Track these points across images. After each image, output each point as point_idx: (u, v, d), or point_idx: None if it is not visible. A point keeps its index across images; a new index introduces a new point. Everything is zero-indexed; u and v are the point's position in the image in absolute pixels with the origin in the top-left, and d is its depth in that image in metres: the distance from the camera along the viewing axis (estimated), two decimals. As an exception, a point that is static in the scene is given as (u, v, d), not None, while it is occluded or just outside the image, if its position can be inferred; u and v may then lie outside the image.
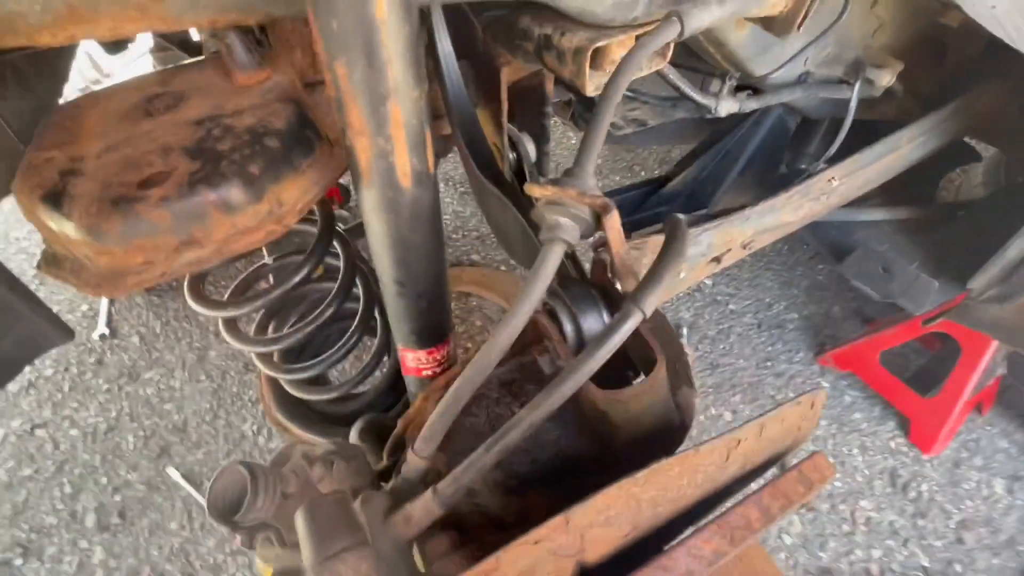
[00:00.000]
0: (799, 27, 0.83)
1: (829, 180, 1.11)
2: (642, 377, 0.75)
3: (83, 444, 1.69)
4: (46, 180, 0.58)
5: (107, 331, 1.95)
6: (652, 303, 0.55)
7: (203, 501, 1.56)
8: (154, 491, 1.59)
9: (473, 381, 0.60)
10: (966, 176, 1.62)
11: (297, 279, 0.85)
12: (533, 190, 0.61)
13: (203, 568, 1.45)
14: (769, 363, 2.00)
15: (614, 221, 0.60)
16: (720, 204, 1.35)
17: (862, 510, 1.66)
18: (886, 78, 1.09)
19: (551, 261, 0.59)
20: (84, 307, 2.07)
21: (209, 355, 1.92)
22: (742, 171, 1.34)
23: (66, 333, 0.69)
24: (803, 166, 1.52)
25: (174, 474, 1.61)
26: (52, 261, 0.61)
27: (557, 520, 0.41)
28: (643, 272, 0.69)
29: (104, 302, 2.03)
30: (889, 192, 1.44)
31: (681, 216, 0.70)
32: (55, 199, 0.57)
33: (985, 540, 1.60)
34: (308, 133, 0.69)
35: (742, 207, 1.10)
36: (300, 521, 0.51)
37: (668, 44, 0.92)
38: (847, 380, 1.95)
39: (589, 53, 0.81)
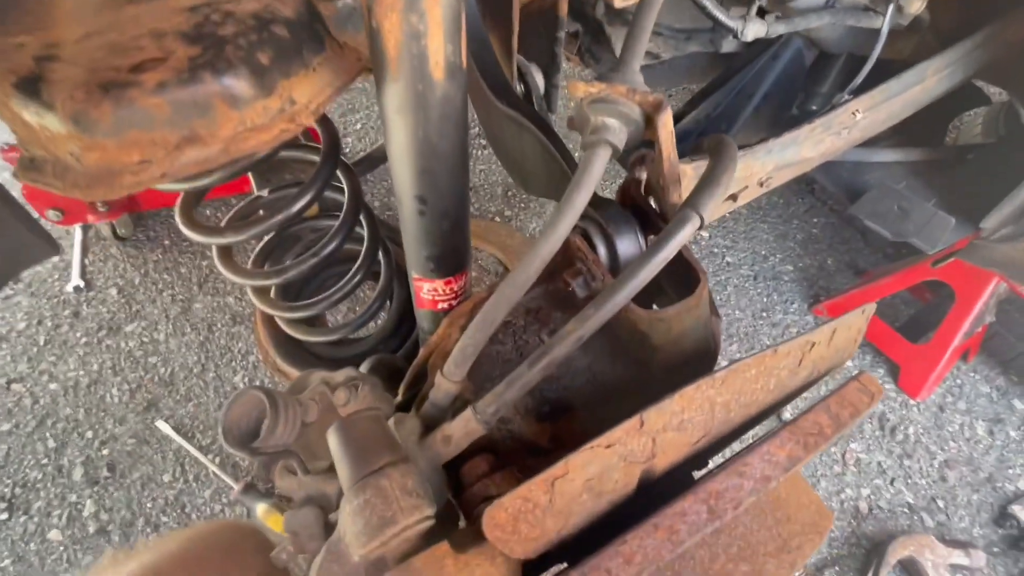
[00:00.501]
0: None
1: (852, 113, 1.07)
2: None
3: (64, 398, 1.61)
4: (18, 66, 0.50)
5: (81, 283, 1.83)
6: (711, 208, 0.51)
7: (196, 453, 1.52)
8: (143, 444, 1.54)
9: (509, 299, 0.55)
10: (964, 124, 1.60)
11: (302, 204, 0.79)
12: (578, 88, 0.56)
13: (199, 518, 1.42)
14: (765, 313, 2.01)
15: (667, 121, 0.55)
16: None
17: (852, 452, 1.71)
18: (916, 4, 1.04)
19: (596, 167, 0.54)
20: (55, 258, 1.94)
21: (193, 307, 1.84)
22: (756, 108, 1.29)
23: (52, 247, 0.62)
24: (815, 107, 1.48)
25: (164, 427, 1.55)
26: (31, 166, 0.54)
27: (631, 422, 0.38)
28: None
29: (76, 253, 1.90)
30: (900, 134, 1.41)
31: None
32: (31, 86, 0.49)
33: (966, 478, 1.68)
34: (318, 27, 0.61)
35: (762, 139, 1.05)
36: (334, 439, 0.47)
37: (705, -52, 0.85)
38: (840, 330, 1.98)
39: (623, -49, 0.74)
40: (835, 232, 2.27)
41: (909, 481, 1.66)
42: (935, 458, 1.72)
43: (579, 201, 0.54)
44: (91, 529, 1.40)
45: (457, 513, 0.56)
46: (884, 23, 1.02)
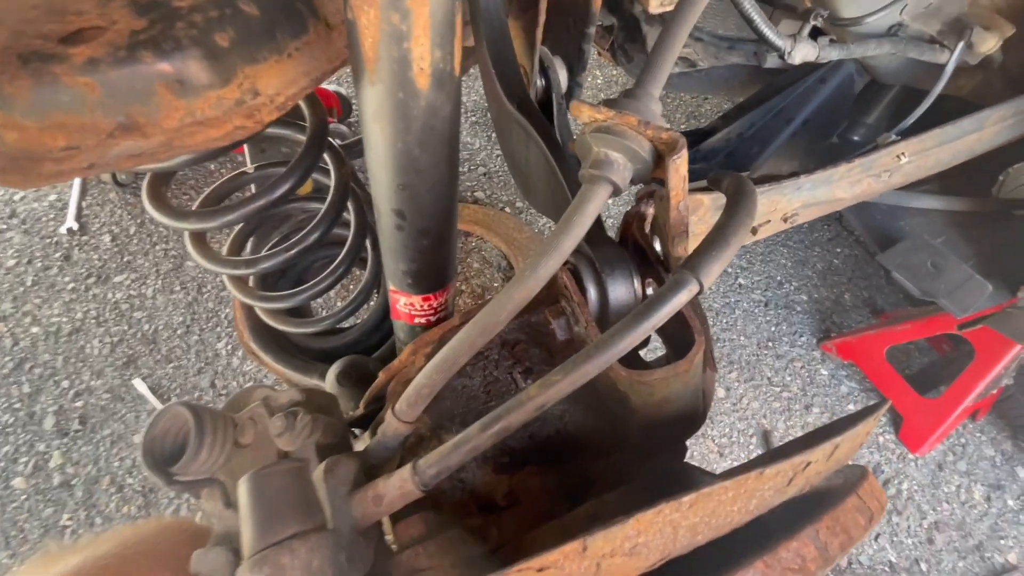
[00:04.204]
0: (925, -46, 0.67)
1: (897, 156, 0.97)
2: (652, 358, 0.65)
3: (44, 343, 1.59)
4: (-62, 17, 0.43)
5: (76, 226, 1.80)
6: (713, 274, 0.44)
7: (170, 417, 1.49)
8: (118, 401, 1.52)
9: (474, 343, 0.49)
10: (1011, 174, 1.48)
11: (280, 192, 0.72)
12: (582, 111, 0.48)
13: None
14: (771, 343, 1.93)
15: (681, 164, 0.47)
16: (762, 169, 1.21)
17: (840, 501, 1.65)
18: (991, 43, 0.93)
19: (591, 207, 0.47)
20: (52, 196, 1.90)
21: (186, 265, 1.80)
22: (793, 134, 1.19)
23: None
24: (857, 138, 1.37)
25: (141, 386, 1.53)
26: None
27: (572, 546, 0.32)
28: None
29: (74, 194, 1.87)
30: (943, 178, 1.30)
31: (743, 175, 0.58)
32: (-53, 44, 0.42)
33: (955, 543, 1.61)
34: (299, 5, 0.53)
35: (793, 174, 0.96)
36: (243, 495, 0.41)
37: (758, -43, 0.75)
38: (846, 371, 1.90)
39: (663, -48, 0.64)
40: (857, 266, 2.16)
41: (895, 539, 1.60)
42: (925, 518, 1.65)
43: (567, 244, 0.47)
44: (55, 481, 1.39)
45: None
46: (951, 61, 0.92)
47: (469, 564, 0.45)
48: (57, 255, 1.77)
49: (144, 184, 0.73)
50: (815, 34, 0.92)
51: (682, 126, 2.56)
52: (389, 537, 0.56)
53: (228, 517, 0.51)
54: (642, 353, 0.73)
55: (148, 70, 0.43)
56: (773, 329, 1.97)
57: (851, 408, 1.82)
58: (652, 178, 0.53)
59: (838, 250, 2.21)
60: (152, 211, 0.71)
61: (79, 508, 1.35)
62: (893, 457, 1.75)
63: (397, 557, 0.47)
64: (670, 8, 0.79)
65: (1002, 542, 1.62)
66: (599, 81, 2.60)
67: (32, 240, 1.79)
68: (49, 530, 1.31)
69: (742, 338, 1.93)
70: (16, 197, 1.85)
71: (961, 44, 0.90)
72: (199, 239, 0.81)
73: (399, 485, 0.46)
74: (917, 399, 1.73)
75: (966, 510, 1.67)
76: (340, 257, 0.91)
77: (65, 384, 1.53)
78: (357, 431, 0.81)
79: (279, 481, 0.42)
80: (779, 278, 2.10)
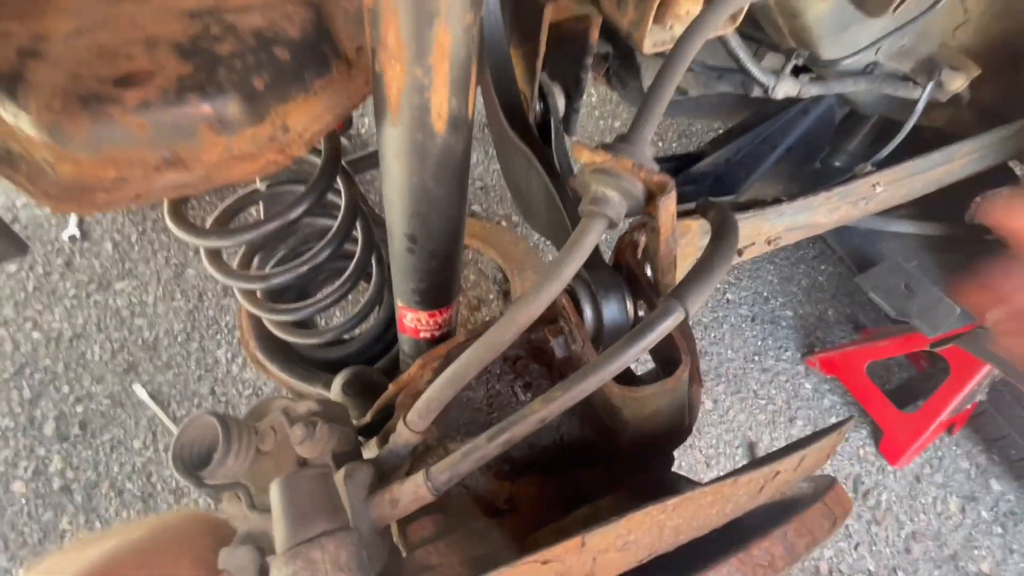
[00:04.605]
0: (895, 8, 0.73)
1: (873, 185, 1.04)
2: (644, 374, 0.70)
3: (45, 348, 1.61)
4: (1, 58, 0.48)
5: (78, 233, 1.83)
6: (698, 303, 0.49)
7: (169, 423, 1.52)
8: (118, 406, 1.54)
9: (481, 359, 0.53)
10: (985, 200, 1.56)
11: (294, 215, 0.77)
12: (582, 153, 0.53)
13: (164, 490, 1.42)
14: (757, 357, 1.99)
15: (670, 204, 0.52)
16: (748, 192, 1.27)
17: (822, 511, 1.71)
18: (958, 82, 1.00)
19: (590, 239, 0.52)
20: (55, 203, 1.92)
21: (187, 273, 1.83)
22: (778, 160, 1.26)
23: (19, 248, 0.60)
24: (838, 164, 1.44)
25: (141, 392, 1.55)
26: (6, 158, 0.52)
27: (572, 542, 0.36)
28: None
29: (77, 201, 1.89)
30: (919, 204, 1.37)
31: (724, 202, 0.63)
32: (10, 84, 0.46)
33: (931, 553, 1.67)
34: (325, 48, 0.58)
35: (776, 200, 1.02)
36: (276, 496, 0.45)
37: (743, 7, 0.81)
38: (829, 384, 1.96)
39: (656, 2, 0.70)
40: (840, 283, 2.23)
41: (874, 548, 1.65)
42: (903, 528, 1.71)
43: (567, 272, 0.52)
44: (55, 485, 1.41)
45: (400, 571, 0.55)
46: (922, 98, 0.99)
47: (476, 561, 0.49)
48: (59, 261, 1.79)
49: (165, 203, 0.77)
50: (797, 71, 0.99)
51: (674, 145, 2.64)
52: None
53: (253, 518, 0.55)
54: (633, 366, 0.78)
55: (193, 111, 0.48)
56: (759, 343, 2.03)
57: (833, 421, 1.88)
58: (644, 212, 0.59)
59: (822, 267, 2.28)
60: (174, 228, 0.75)
61: (78, 512, 1.37)
62: (873, 469, 1.81)
63: (410, 555, 0.51)
64: (663, 48, 0.85)
65: (976, 552, 1.68)
66: (593, 99, 2.67)
67: (34, 246, 1.81)
68: (48, 534, 1.33)
69: (729, 352, 1.99)
70: (19, 203, 1.87)
71: (932, 83, 0.98)
72: (215, 254, 0.85)
73: (413, 490, 0.50)
74: (896, 413, 1.80)
75: (942, 521, 1.73)
76: (348, 272, 0.95)
77: (65, 389, 1.55)
78: (362, 439, 0.85)
79: (307, 485, 0.46)
80: (765, 294, 2.17)
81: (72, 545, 0.61)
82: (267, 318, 1.00)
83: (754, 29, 1.08)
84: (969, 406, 1.75)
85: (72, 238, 1.81)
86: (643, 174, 0.52)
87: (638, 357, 0.51)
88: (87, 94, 0.46)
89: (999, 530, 1.72)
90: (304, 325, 1.17)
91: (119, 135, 0.46)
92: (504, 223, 2.19)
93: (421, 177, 0.55)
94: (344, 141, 2.15)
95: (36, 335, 1.64)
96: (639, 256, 0.70)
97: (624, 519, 0.38)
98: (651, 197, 0.55)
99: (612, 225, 0.54)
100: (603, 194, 0.53)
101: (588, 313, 0.65)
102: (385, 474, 0.60)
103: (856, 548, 1.65)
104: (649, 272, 0.68)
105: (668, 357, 0.64)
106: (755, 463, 0.45)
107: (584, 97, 1.25)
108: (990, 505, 1.77)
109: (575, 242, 0.52)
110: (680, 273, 0.62)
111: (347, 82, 0.62)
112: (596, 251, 0.77)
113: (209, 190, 0.61)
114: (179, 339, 1.68)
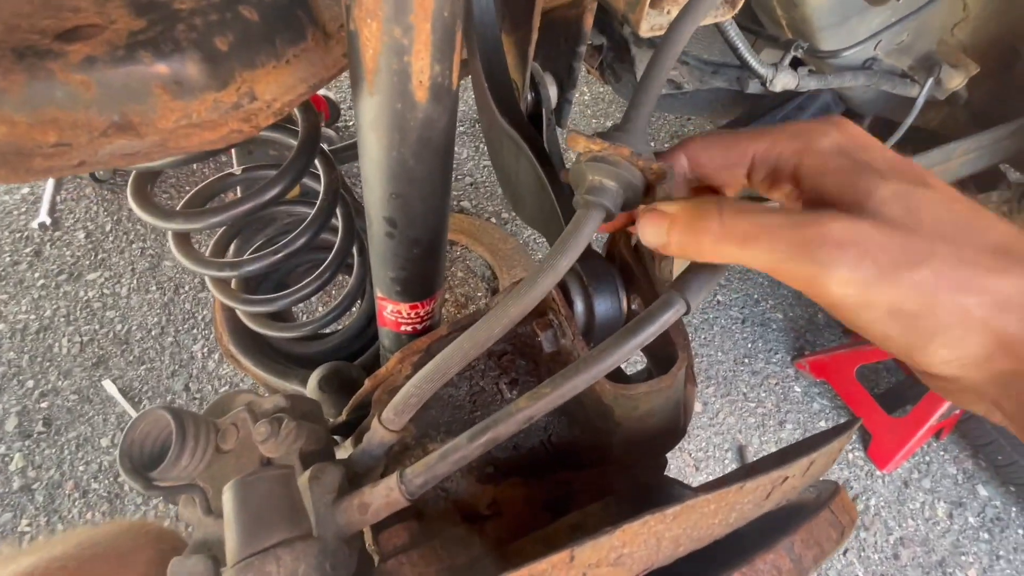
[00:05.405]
0: (900, -4, 0.71)
1: (871, 183, 1.01)
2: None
3: (9, 341, 1.54)
4: (-70, 7, 0.43)
5: (48, 221, 1.75)
6: (700, 296, 0.45)
7: (140, 420, 1.45)
8: (86, 402, 1.47)
9: (466, 354, 0.49)
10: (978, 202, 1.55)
11: (269, 196, 0.72)
12: (578, 142, 0.49)
13: (132, 491, 1.36)
14: (747, 360, 1.97)
15: (669, 193, 0.49)
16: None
17: (811, 516, 1.69)
18: (957, 80, 0.98)
19: (586, 230, 0.48)
20: (24, 189, 1.85)
21: (163, 265, 1.76)
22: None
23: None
24: (833, 164, 1.42)
25: (110, 387, 1.48)
26: (-64, 121, 0.46)
27: (560, 555, 0.32)
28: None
29: (48, 188, 1.81)
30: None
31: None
32: (-62, 34, 0.41)
33: (919, 559, 1.66)
34: (299, 12, 0.54)
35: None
36: (228, 501, 0.41)
37: (745, -11, 0.78)
38: (819, 388, 1.95)
39: (655, -19, 0.67)
40: (831, 287, 2.23)
41: (862, 554, 1.64)
42: (891, 533, 1.69)
43: (563, 264, 0.48)
44: (15, 485, 1.33)
45: (368, 583, 0.50)
46: (921, 95, 0.97)
47: (454, 572, 0.45)
48: (27, 250, 1.71)
49: (129, 182, 0.72)
50: (795, 64, 0.96)
51: (666, 145, 2.62)
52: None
53: (208, 524, 0.50)
54: (624, 366, 0.74)
55: (146, 70, 0.43)
56: (749, 346, 2.01)
57: (823, 425, 1.87)
58: (642, 203, 0.55)
59: (813, 270, 2.28)
60: (137, 209, 0.70)
61: (40, 513, 1.29)
62: (862, 474, 1.79)
63: (381, 566, 0.46)
64: (659, 33, 0.82)
65: (963, 558, 1.67)
66: (586, 98, 2.65)
67: (1, 234, 1.73)
68: (6, 536, 1.25)
69: (719, 354, 1.97)
70: (-14, 189, 1.79)
71: (931, 80, 0.95)
72: (183, 240, 0.80)
73: (385, 494, 0.46)
74: (885, 418, 1.78)
75: (930, 526, 1.72)
76: (327, 261, 0.90)
77: (30, 384, 1.48)
78: (338, 438, 0.80)
79: (265, 488, 0.42)
80: (756, 296, 2.15)
81: None
82: (241, 309, 0.94)
83: (751, 22, 1.05)
84: (957, 411, 1.74)
85: (42, 226, 1.73)
86: (641, 162, 0.48)
87: (634, 352, 0.47)
88: (24, 47, 0.41)
89: (986, 536, 1.71)
90: (281, 319, 1.12)
91: (60, 94, 0.41)
92: (494, 220, 2.15)
93: (400, 152, 0.50)
94: (331, 132, 2.09)
95: (0, 326, 1.56)
96: (633, 248, 0.66)
97: (618, 531, 0.34)
98: (649, 187, 0.51)
99: (609, 216, 0.51)
100: (600, 183, 0.49)
101: (579, 305, 0.61)
102: (357, 476, 0.56)
103: (845, 554, 1.63)
104: (644, 264, 0.65)
105: (663, 354, 0.61)
106: (758, 467, 0.41)
107: (577, 95, 1.22)
108: (977, 511, 1.77)
109: (571, 233, 0.48)
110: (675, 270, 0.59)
111: (324, 52, 0.57)
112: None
113: (167, 161, 0.56)
114: (153, 333, 1.61)
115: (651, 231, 0.41)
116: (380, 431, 0.54)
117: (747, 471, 0.43)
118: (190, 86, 0.45)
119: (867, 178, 0.30)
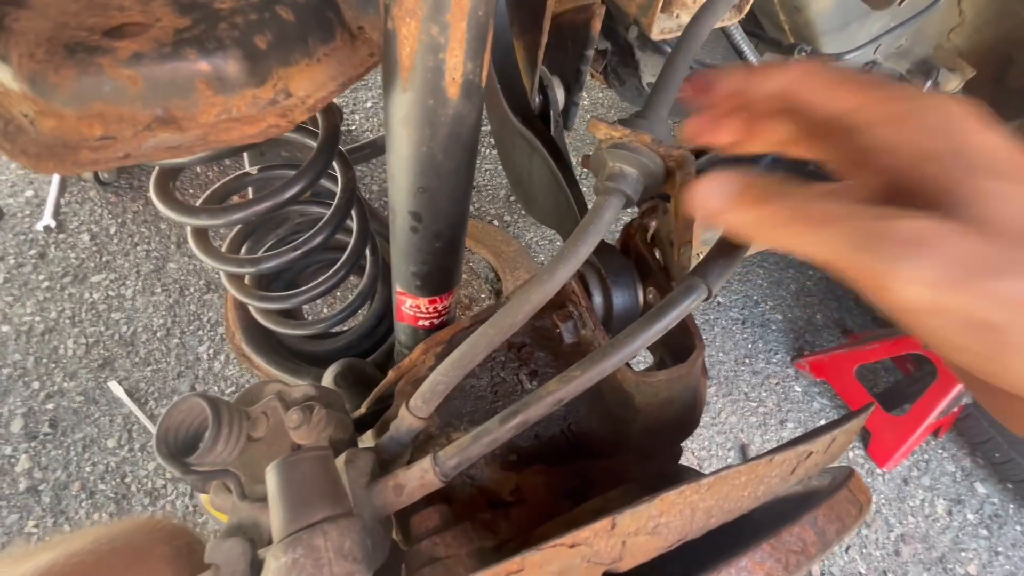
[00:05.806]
0: (900, 1, 0.74)
1: (871, 182, 1.04)
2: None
3: (15, 343, 1.53)
4: (-21, 5, 0.44)
5: (53, 223, 1.75)
6: (720, 282, 0.47)
7: (146, 421, 1.45)
8: (91, 404, 1.47)
9: (491, 341, 0.51)
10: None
11: (290, 193, 0.73)
12: (599, 128, 0.51)
13: (139, 491, 1.35)
14: (748, 360, 1.99)
15: (690, 180, 0.51)
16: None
17: (813, 513, 1.70)
18: (954, 83, 1.01)
19: (606, 216, 0.50)
20: (29, 192, 1.85)
21: (167, 267, 1.76)
22: (773, 160, 1.26)
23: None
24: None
25: (117, 389, 1.48)
26: (-19, 116, 0.48)
27: (602, 523, 0.34)
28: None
29: (53, 191, 1.82)
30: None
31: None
32: (-11, 31, 0.43)
33: (920, 555, 1.68)
34: (329, 14, 0.56)
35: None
36: (273, 480, 0.42)
37: (752, -6, 0.81)
38: (818, 388, 1.98)
39: (668, -15, 0.70)
40: (829, 288, 2.26)
41: (864, 551, 1.65)
42: (892, 531, 1.71)
43: (583, 251, 0.49)
44: (22, 486, 1.33)
45: (400, 565, 0.51)
46: (918, 98, 1.00)
47: (485, 553, 0.46)
48: (32, 252, 1.71)
49: (152, 178, 0.73)
50: (798, 67, 0.99)
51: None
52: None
53: (243, 508, 0.51)
54: (632, 362, 0.76)
55: (190, 67, 0.44)
56: (750, 346, 2.04)
57: (823, 423, 1.89)
58: (658, 193, 0.57)
59: (810, 272, 2.31)
60: (160, 206, 0.71)
61: (46, 514, 1.29)
62: (862, 472, 1.81)
63: (415, 547, 0.48)
64: (670, 36, 0.85)
65: (963, 554, 1.69)
66: (586, 103, 2.68)
67: (5, 236, 1.73)
68: (13, 537, 1.25)
69: (720, 354, 1.99)
70: (-10, 192, 1.80)
71: (928, 83, 0.98)
72: (202, 236, 0.81)
73: (420, 476, 0.47)
74: (884, 416, 1.81)
75: (930, 523, 1.74)
76: (343, 258, 0.92)
77: (36, 385, 1.48)
78: (359, 435, 0.82)
79: (307, 467, 0.43)
80: (755, 297, 2.18)
81: (3, 559, 0.56)
82: (255, 306, 0.95)
83: (754, 26, 1.08)
84: (956, 409, 1.77)
85: (47, 228, 1.74)
86: (662, 149, 0.50)
87: (659, 335, 0.49)
88: (74, 43, 0.42)
89: (985, 532, 1.74)
90: (292, 318, 1.13)
91: (108, 89, 0.43)
92: (496, 223, 2.17)
93: (430, 147, 0.52)
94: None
95: (5, 328, 1.56)
96: (649, 241, 0.68)
97: (657, 499, 0.35)
98: (669, 175, 0.53)
99: (629, 203, 0.53)
100: (620, 170, 0.51)
101: (597, 297, 0.63)
102: (385, 463, 0.57)
103: (847, 551, 1.64)
104: (659, 256, 0.67)
105: (680, 343, 0.63)
106: (785, 445, 0.43)
107: (583, 92, 1.24)
108: (975, 507, 1.79)
109: (592, 219, 0.50)
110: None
111: (351, 52, 0.59)
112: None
113: (204, 155, 0.58)
114: (158, 334, 1.62)
115: (716, 193, 0.34)
116: (408, 418, 0.55)
117: (788, 447, 0.45)
118: (231, 82, 0.47)
119: (974, 174, 0.26)
